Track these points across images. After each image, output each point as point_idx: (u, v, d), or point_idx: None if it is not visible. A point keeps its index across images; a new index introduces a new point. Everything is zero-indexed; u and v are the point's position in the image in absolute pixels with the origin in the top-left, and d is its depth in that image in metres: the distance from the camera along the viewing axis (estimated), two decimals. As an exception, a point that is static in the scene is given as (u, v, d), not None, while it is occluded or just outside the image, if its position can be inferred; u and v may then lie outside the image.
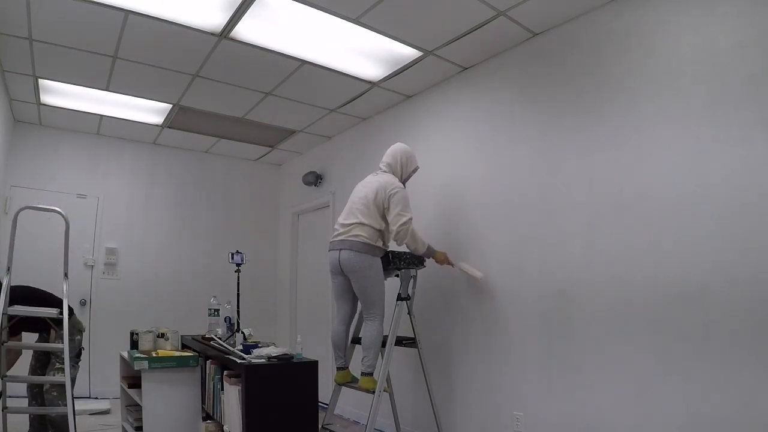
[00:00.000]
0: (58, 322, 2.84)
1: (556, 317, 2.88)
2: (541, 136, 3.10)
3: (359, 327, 3.38)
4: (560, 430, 2.79)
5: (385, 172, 3.28)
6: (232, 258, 3.74)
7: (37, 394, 3.07)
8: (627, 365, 2.51)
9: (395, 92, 4.14)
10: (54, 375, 2.94)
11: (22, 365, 3.05)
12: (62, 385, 2.82)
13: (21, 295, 2.87)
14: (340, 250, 3.12)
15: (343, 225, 3.18)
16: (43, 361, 3.10)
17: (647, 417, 2.40)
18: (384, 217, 3.13)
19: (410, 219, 3.08)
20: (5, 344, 2.74)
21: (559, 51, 3.05)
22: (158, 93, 4.22)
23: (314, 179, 5.36)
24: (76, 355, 3.12)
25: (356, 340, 3.38)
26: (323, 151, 5.41)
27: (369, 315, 3.12)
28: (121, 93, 4.21)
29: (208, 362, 3.23)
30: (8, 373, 2.79)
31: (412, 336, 3.32)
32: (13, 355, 2.98)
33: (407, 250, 3.32)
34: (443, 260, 3.36)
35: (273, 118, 4.79)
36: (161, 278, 5.41)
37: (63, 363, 2.86)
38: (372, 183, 3.23)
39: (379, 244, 3.14)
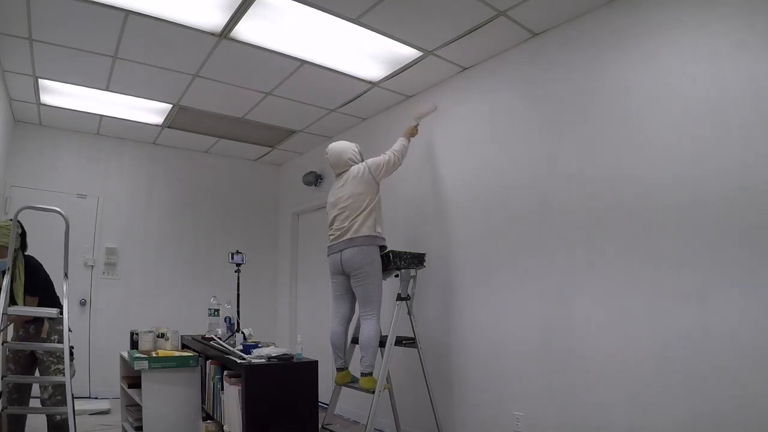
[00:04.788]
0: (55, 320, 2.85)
1: (557, 317, 2.88)
2: (541, 136, 3.10)
3: (358, 327, 3.38)
4: (560, 430, 2.79)
5: (347, 171, 3.40)
6: (232, 258, 3.74)
7: (15, 400, 2.85)
8: (627, 363, 2.51)
9: (395, 92, 4.14)
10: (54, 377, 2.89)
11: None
12: (64, 387, 2.80)
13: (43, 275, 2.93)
14: (341, 250, 3.19)
15: (338, 228, 3.26)
16: (25, 365, 2.93)
17: (646, 416, 2.40)
18: (374, 194, 3.28)
19: (386, 158, 3.36)
20: (5, 344, 2.74)
21: (559, 51, 3.05)
22: (158, 93, 4.23)
23: (314, 179, 5.36)
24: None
25: (356, 340, 3.38)
26: (323, 151, 5.39)
27: (366, 313, 3.15)
28: (121, 93, 4.21)
29: (208, 362, 3.24)
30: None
31: (412, 336, 3.32)
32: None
33: (407, 250, 3.37)
34: (414, 133, 3.65)
35: (273, 118, 4.79)
36: (161, 278, 5.40)
37: (60, 363, 2.85)
38: (347, 181, 3.33)
39: (378, 231, 3.22)
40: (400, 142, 3.51)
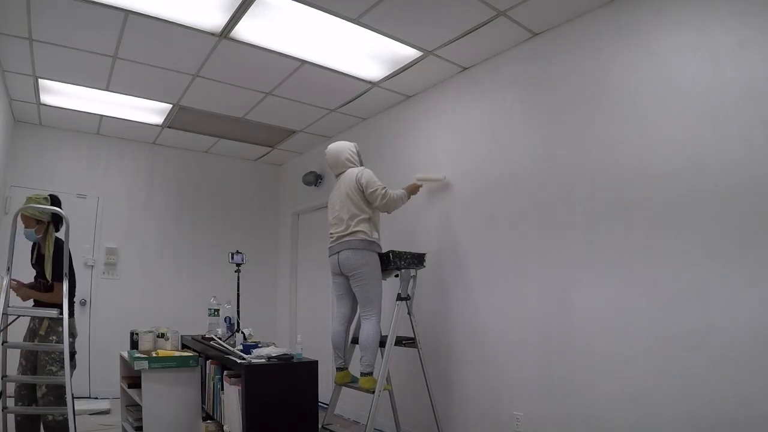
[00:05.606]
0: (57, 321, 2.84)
1: (557, 316, 2.88)
2: (541, 136, 3.10)
3: (359, 326, 3.38)
4: (560, 430, 2.79)
5: (344, 172, 3.39)
6: (232, 258, 3.74)
7: (24, 396, 2.90)
8: (626, 363, 2.51)
9: (395, 92, 4.14)
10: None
11: (11, 366, 2.98)
12: (59, 389, 2.80)
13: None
14: (339, 252, 3.20)
15: (337, 231, 3.27)
16: (35, 362, 2.92)
17: (646, 414, 2.40)
18: (367, 203, 3.23)
19: (383, 189, 3.21)
20: (5, 344, 2.74)
21: (559, 51, 3.05)
22: (158, 93, 4.23)
23: (314, 179, 5.36)
24: (70, 357, 3.08)
25: (356, 340, 3.38)
26: (323, 151, 5.39)
27: (366, 313, 3.16)
28: (121, 93, 4.21)
29: (208, 362, 3.24)
30: (7, 373, 2.79)
31: (412, 336, 3.32)
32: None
33: (407, 250, 3.36)
34: (416, 190, 3.58)
35: (273, 118, 4.79)
36: (161, 278, 5.40)
37: (53, 364, 2.83)
38: (342, 184, 3.34)
39: (375, 237, 3.22)
40: (400, 191, 3.39)
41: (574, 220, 2.85)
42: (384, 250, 3.28)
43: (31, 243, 2.97)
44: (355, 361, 3.29)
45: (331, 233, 3.33)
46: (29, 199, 2.87)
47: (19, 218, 2.77)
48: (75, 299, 3.10)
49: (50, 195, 2.95)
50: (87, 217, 5.06)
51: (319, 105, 4.44)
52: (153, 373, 2.92)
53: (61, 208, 2.92)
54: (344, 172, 3.39)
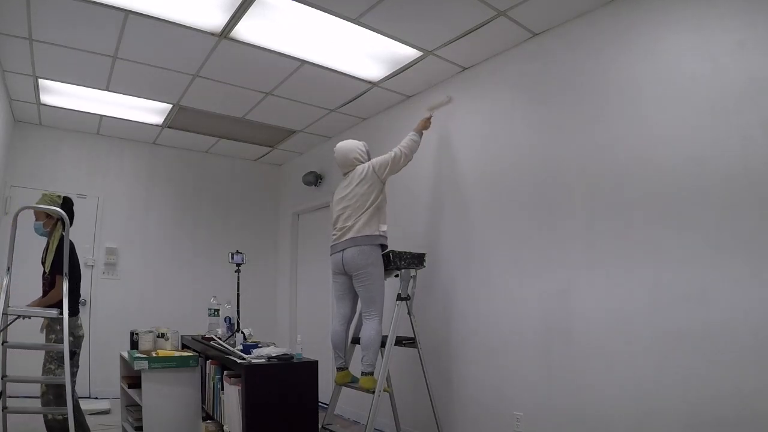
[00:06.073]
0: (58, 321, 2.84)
1: (557, 316, 2.88)
2: (541, 136, 3.10)
3: (359, 327, 3.38)
4: (560, 429, 2.79)
5: (353, 170, 3.39)
6: (232, 258, 3.74)
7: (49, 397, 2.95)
8: (626, 363, 2.51)
9: (395, 92, 4.14)
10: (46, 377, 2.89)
11: (35, 365, 3.00)
12: (58, 388, 2.80)
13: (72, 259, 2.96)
14: (342, 250, 3.19)
15: (341, 228, 3.25)
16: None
17: (646, 414, 2.40)
18: (382, 191, 3.27)
19: (394, 153, 3.32)
20: (5, 344, 2.74)
21: (559, 51, 3.05)
22: (158, 93, 4.23)
23: (314, 179, 5.36)
24: (69, 357, 3.08)
25: (356, 340, 3.38)
26: (323, 151, 5.41)
27: (368, 313, 3.15)
28: (121, 93, 4.21)
29: (208, 362, 3.24)
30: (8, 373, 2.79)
31: (412, 336, 3.32)
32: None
33: (407, 250, 3.36)
34: (426, 126, 3.57)
35: (273, 118, 4.79)
36: (161, 278, 5.40)
37: (51, 362, 2.85)
38: (351, 180, 3.33)
39: (383, 230, 3.21)
40: (408, 137, 3.42)
41: (574, 220, 2.85)
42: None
43: (44, 242, 3.04)
44: (355, 360, 3.29)
45: (334, 231, 3.32)
46: (45, 196, 3.01)
47: (31, 210, 2.89)
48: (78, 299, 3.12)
49: (64, 197, 3.08)
50: (87, 217, 5.05)
51: (319, 105, 4.44)
52: (153, 373, 2.92)
53: (72, 211, 3.00)
54: (352, 170, 3.39)
